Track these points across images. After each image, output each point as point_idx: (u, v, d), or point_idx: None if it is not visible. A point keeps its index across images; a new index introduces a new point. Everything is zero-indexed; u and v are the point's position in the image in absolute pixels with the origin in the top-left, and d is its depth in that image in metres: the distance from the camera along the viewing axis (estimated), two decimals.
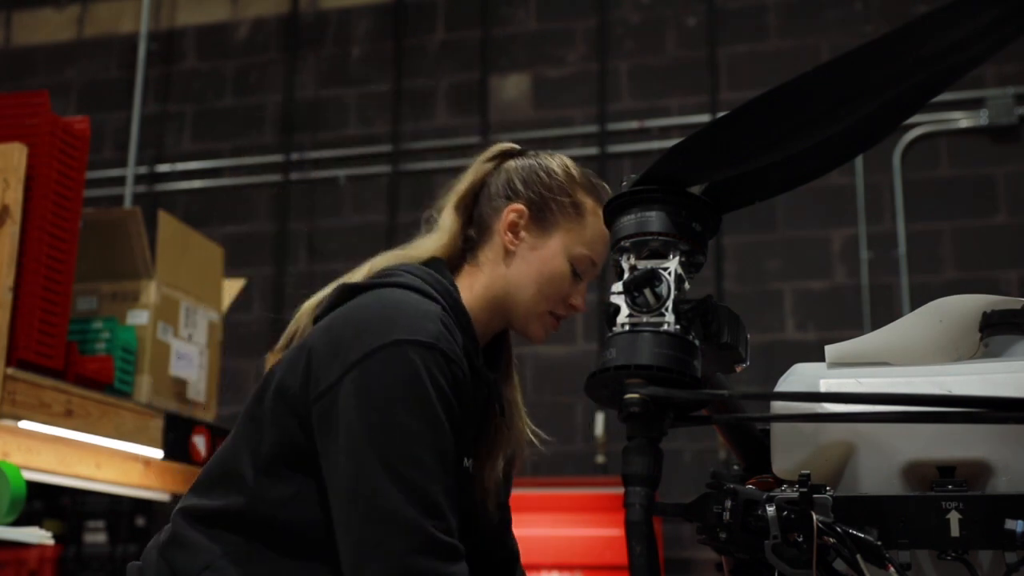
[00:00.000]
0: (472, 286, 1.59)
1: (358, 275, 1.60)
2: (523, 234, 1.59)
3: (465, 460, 1.56)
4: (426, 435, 1.33)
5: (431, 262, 1.59)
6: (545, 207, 1.59)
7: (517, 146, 1.70)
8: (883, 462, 1.17)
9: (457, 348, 1.43)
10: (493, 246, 1.62)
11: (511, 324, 1.62)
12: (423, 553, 1.28)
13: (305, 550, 1.44)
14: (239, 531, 1.46)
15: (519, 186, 1.62)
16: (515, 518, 1.77)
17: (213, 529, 1.46)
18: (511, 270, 1.59)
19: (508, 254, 1.59)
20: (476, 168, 1.68)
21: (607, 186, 1.66)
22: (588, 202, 1.61)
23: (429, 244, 1.63)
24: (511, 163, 1.66)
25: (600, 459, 4.88)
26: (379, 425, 1.33)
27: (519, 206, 1.60)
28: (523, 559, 1.84)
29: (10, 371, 2.66)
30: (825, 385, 1.24)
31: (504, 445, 1.63)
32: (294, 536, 1.45)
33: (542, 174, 1.61)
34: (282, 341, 1.59)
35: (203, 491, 1.54)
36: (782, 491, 1.13)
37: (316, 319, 1.54)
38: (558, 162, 1.65)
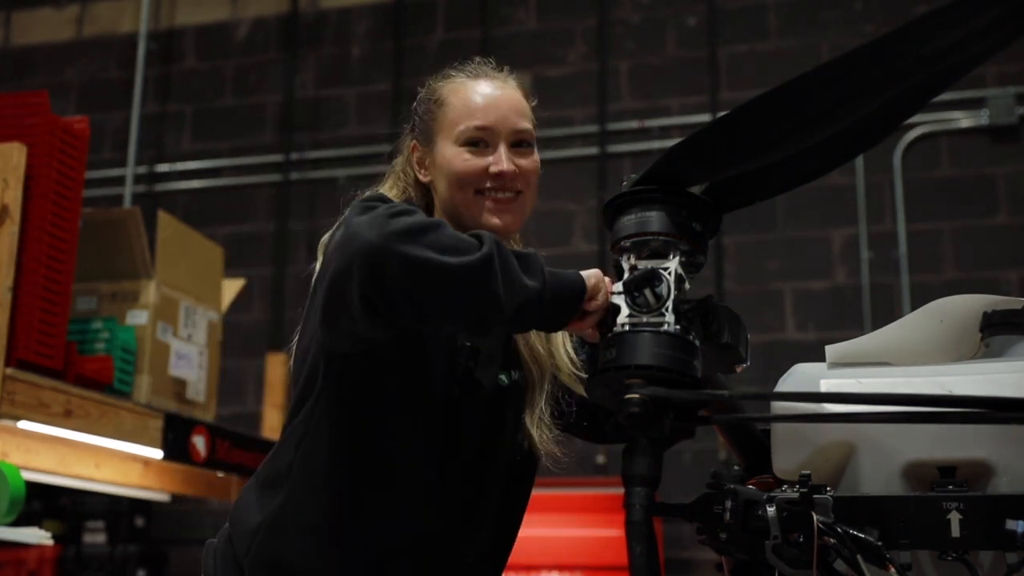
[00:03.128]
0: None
1: None
2: (426, 161, 1.61)
3: (501, 375, 1.55)
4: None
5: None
6: (423, 127, 1.61)
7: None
8: (883, 462, 1.17)
9: None
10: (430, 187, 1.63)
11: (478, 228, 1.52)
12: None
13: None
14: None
15: (410, 128, 1.66)
16: None
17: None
18: (438, 194, 1.59)
19: (431, 185, 1.61)
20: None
21: (485, 60, 1.64)
22: (448, 87, 1.60)
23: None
24: None
25: (600, 459, 4.88)
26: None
27: (412, 143, 1.64)
28: (523, 559, 1.83)
29: (9, 371, 2.66)
30: (825, 385, 1.24)
31: (532, 368, 1.60)
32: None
33: (415, 105, 1.65)
34: None
35: None
36: (782, 491, 1.13)
37: None
38: (432, 80, 1.65)
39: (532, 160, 1.58)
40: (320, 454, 1.47)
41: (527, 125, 1.59)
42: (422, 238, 1.24)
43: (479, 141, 1.54)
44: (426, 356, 1.46)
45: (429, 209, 1.63)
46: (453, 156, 1.54)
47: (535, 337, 1.61)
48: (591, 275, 1.32)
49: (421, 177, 1.61)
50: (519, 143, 1.57)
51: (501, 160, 1.54)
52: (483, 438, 1.53)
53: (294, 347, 1.58)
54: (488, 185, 1.53)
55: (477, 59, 1.64)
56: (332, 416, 1.47)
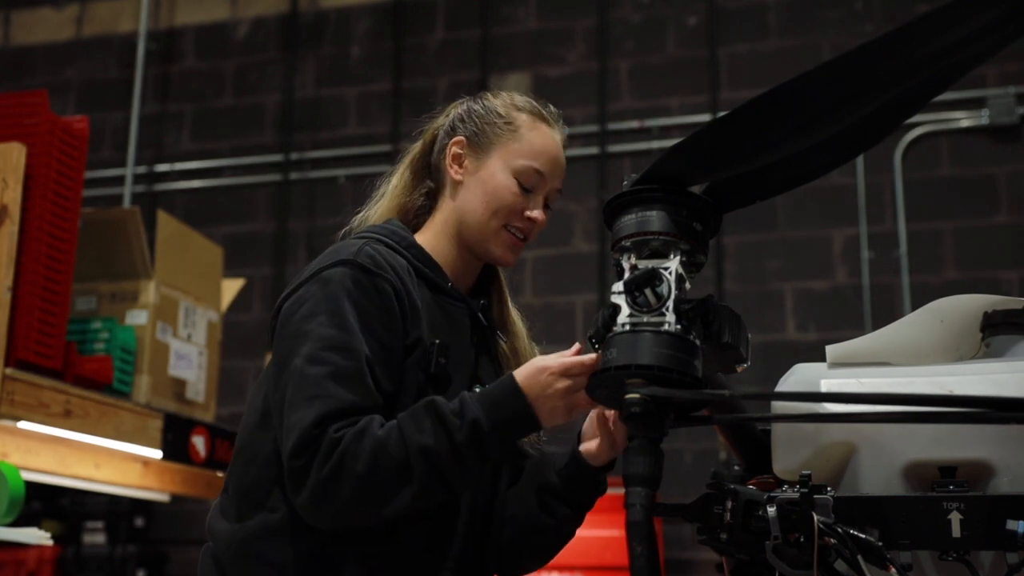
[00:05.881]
0: (433, 227, 1.69)
1: None
2: (466, 163, 1.67)
3: (475, 388, 1.60)
4: (336, 337, 1.46)
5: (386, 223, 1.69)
6: (481, 133, 1.67)
7: (469, 98, 1.78)
8: (884, 462, 1.17)
9: (384, 262, 1.54)
10: (447, 184, 1.70)
11: (476, 253, 1.67)
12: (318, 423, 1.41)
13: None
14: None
15: (458, 123, 1.72)
16: None
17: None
18: (462, 198, 1.67)
19: (457, 185, 1.68)
20: (430, 128, 1.78)
21: (553, 108, 1.73)
22: (524, 118, 1.68)
23: (378, 214, 1.74)
24: (455, 110, 1.76)
25: None
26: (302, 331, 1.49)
27: (459, 138, 1.69)
28: None
29: (9, 371, 2.65)
30: (826, 385, 1.24)
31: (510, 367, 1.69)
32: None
33: (477, 107, 1.71)
34: None
35: None
36: (783, 491, 1.13)
37: None
38: (495, 95, 1.74)
39: (547, 218, 1.70)
40: None
41: (561, 189, 1.72)
42: (352, 483, 1.37)
43: (531, 184, 1.65)
44: (404, 381, 1.53)
45: (432, 202, 1.71)
46: (506, 183, 1.64)
47: (503, 346, 1.71)
48: (533, 384, 1.40)
49: (453, 174, 1.68)
50: (548, 203, 1.70)
51: (538, 211, 1.66)
52: None
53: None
54: (516, 224, 1.65)
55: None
56: None
